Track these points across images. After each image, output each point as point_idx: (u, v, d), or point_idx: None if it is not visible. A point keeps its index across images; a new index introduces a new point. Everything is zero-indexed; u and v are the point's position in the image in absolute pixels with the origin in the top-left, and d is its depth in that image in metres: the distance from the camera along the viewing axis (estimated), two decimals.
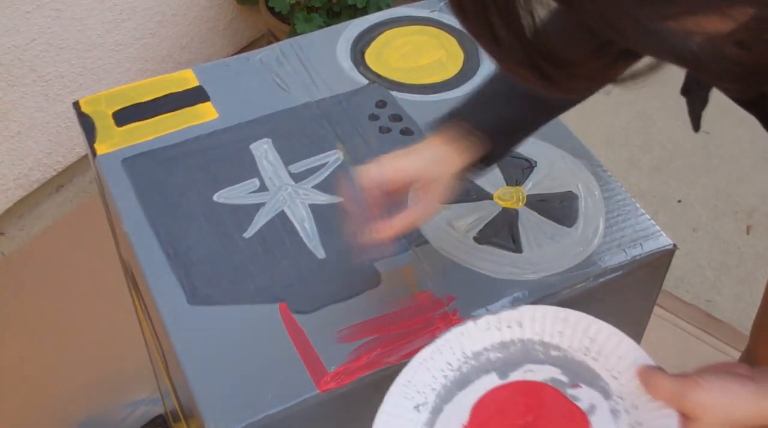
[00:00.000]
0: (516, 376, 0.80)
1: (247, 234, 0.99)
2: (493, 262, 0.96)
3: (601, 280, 0.96)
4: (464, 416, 0.78)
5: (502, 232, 1.00)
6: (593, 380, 0.78)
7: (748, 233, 2.10)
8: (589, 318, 0.79)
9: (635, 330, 1.12)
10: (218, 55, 2.38)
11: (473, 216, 1.01)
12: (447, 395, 0.79)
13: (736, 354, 1.58)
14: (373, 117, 1.13)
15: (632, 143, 2.30)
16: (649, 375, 0.74)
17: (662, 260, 1.01)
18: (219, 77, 1.19)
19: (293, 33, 2.16)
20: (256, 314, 0.91)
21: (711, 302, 1.94)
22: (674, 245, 1.00)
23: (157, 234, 0.99)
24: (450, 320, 0.90)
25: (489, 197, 1.04)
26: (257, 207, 1.02)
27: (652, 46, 0.49)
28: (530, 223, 1.01)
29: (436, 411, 0.78)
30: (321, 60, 1.21)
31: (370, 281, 0.94)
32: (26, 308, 1.88)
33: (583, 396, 0.78)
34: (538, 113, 0.92)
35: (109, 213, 1.16)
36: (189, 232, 0.99)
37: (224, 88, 1.17)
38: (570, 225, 1.01)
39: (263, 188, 1.04)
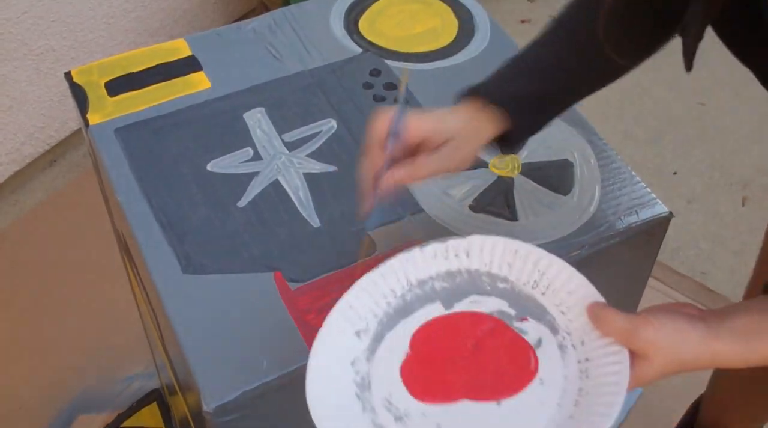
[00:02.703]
0: (461, 306, 0.79)
1: (241, 203, 0.98)
2: (488, 230, 0.96)
3: (597, 248, 0.96)
4: (405, 344, 0.77)
5: (497, 200, 0.99)
6: (541, 314, 0.77)
7: (743, 205, 2.10)
8: (540, 251, 0.77)
9: (630, 300, 1.12)
10: (211, 28, 2.36)
11: (468, 184, 1.01)
12: (389, 322, 0.78)
13: None
14: (368, 86, 1.12)
15: (627, 114, 2.30)
16: (598, 311, 0.73)
17: (658, 227, 1.00)
18: (212, 47, 1.18)
19: (286, 5, 2.14)
20: (251, 283, 0.91)
21: (706, 273, 1.94)
22: (670, 213, 1.00)
23: (151, 204, 0.98)
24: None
25: (484, 165, 1.03)
26: (251, 176, 1.01)
27: None
28: (525, 191, 1.00)
29: (378, 338, 0.77)
30: (314, 29, 1.20)
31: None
32: (20, 284, 1.87)
33: (530, 330, 0.76)
34: (559, 92, 0.90)
35: (103, 184, 1.16)
36: (183, 201, 0.99)
37: (217, 57, 1.16)
38: (565, 193, 1.00)
39: (257, 157, 1.03)
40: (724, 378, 1.41)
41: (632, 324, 0.70)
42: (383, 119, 0.82)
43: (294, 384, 0.84)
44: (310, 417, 0.80)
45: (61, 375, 1.71)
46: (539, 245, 0.93)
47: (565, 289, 0.76)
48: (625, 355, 0.70)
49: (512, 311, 0.77)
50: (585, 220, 0.97)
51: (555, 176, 1.02)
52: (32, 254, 1.94)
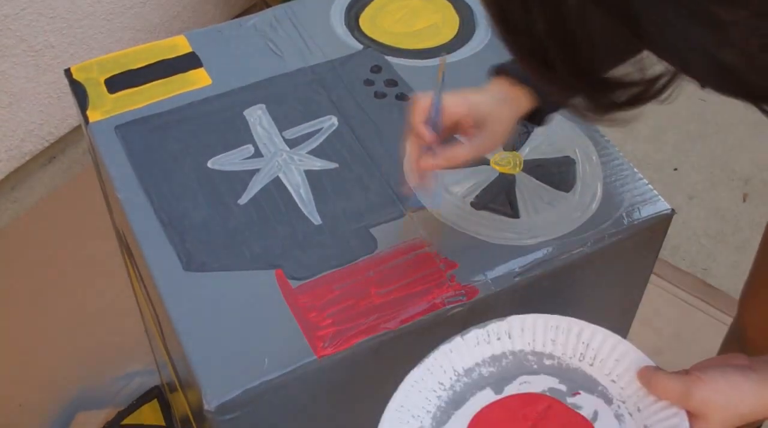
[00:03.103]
0: (511, 389, 0.78)
1: (242, 201, 0.98)
2: (490, 227, 0.96)
3: (599, 245, 0.95)
4: None
5: (499, 197, 0.99)
6: (592, 386, 0.77)
7: (744, 200, 2.09)
8: (581, 323, 0.77)
9: (632, 297, 1.12)
10: (211, 24, 2.35)
11: (470, 181, 1.00)
12: (443, 416, 0.77)
13: None
14: (368, 82, 1.11)
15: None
16: (650, 376, 0.73)
17: (660, 225, 1.00)
18: (212, 43, 1.18)
19: (286, 1, 2.13)
20: (252, 280, 0.91)
21: (707, 270, 1.94)
22: (672, 210, 0.99)
23: (152, 201, 0.98)
24: (447, 287, 0.89)
25: (486, 162, 1.03)
26: (252, 173, 1.01)
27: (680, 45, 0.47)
28: (527, 188, 1.00)
29: None
30: (315, 25, 1.20)
31: (367, 246, 0.93)
32: (20, 281, 1.87)
33: (585, 404, 0.76)
34: None
35: (103, 182, 1.15)
36: (183, 199, 0.98)
37: (217, 54, 1.16)
38: (567, 190, 1.00)
39: (258, 154, 1.03)
40: None
41: (686, 386, 0.70)
42: (421, 105, 0.85)
43: (295, 382, 0.84)
44: (310, 414, 0.81)
45: (61, 373, 1.71)
46: (541, 243, 0.94)
47: (613, 357, 0.76)
48: (684, 417, 0.70)
49: (563, 387, 0.77)
50: (587, 217, 0.97)
51: (557, 173, 1.02)
52: (32, 251, 1.94)
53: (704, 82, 0.50)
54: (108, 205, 1.22)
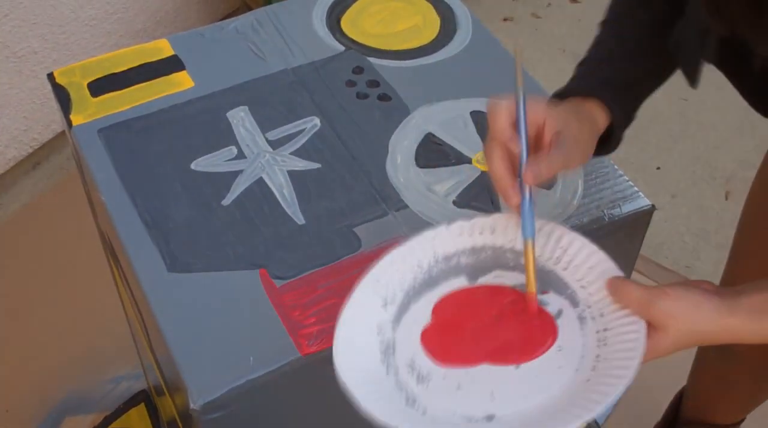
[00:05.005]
0: (485, 280, 0.81)
1: (226, 202, 0.98)
2: None
3: None
4: (429, 313, 0.80)
5: (481, 195, 1.00)
6: (562, 288, 0.79)
7: (726, 198, 2.11)
8: (563, 229, 0.80)
9: None
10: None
11: (452, 180, 1.01)
12: (415, 295, 0.80)
13: None
14: (350, 83, 1.12)
15: None
16: (617, 284, 0.75)
17: (641, 221, 1.01)
18: (194, 46, 1.18)
19: (268, 4, 2.14)
20: (237, 280, 0.91)
21: (690, 267, 1.95)
22: (653, 206, 1.00)
23: (135, 204, 0.98)
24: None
25: (468, 161, 1.03)
26: (235, 175, 1.01)
27: None
28: None
29: (403, 309, 0.80)
30: (297, 27, 1.21)
31: (351, 246, 0.94)
32: (5, 287, 1.87)
33: (552, 302, 0.79)
34: (644, 74, 0.91)
35: (87, 186, 1.15)
36: (167, 201, 0.99)
37: (200, 57, 1.16)
38: (548, 187, 1.01)
39: (241, 155, 1.03)
40: (702, 371, 1.43)
41: (649, 295, 0.72)
42: (504, 110, 0.77)
43: (280, 380, 0.84)
44: (296, 412, 0.81)
45: (47, 378, 1.71)
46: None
47: (587, 265, 0.78)
48: (642, 325, 0.72)
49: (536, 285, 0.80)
50: (568, 214, 0.98)
51: None
52: (17, 257, 1.93)
53: None
54: (92, 208, 1.23)
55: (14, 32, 1.93)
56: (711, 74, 0.84)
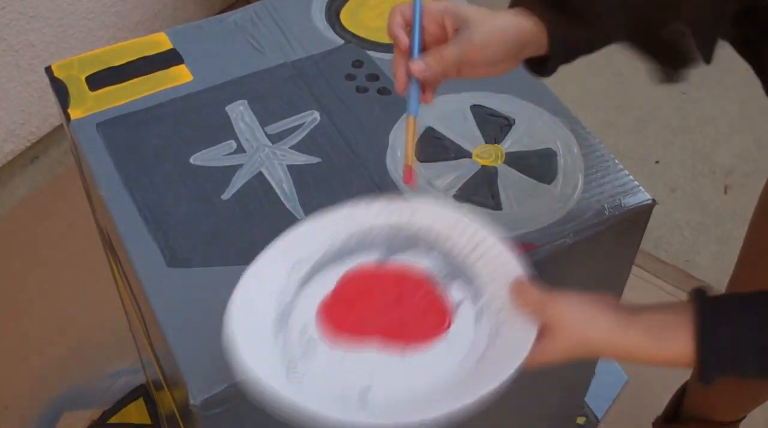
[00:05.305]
0: (399, 259, 0.84)
1: (225, 196, 0.98)
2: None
3: (581, 236, 0.96)
4: (332, 285, 0.82)
5: (481, 190, 0.99)
6: (469, 280, 0.81)
7: (725, 192, 2.11)
8: (477, 224, 0.83)
9: (614, 288, 1.13)
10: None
11: (452, 175, 1.01)
12: (323, 266, 0.82)
13: None
14: (350, 77, 1.12)
15: (609, 103, 2.30)
16: (518, 286, 0.77)
17: (641, 215, 1.01)
18: (193, 40, 1.18)
19: None
20: (236, 275, 0.90)
21: (690, 261, 1.95)
22: (653, 200, 1.00)
23: (134, 198, 0.98)
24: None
25: (468, 155, 1.03)
26: (234, 169, 1.01)
27: None
28: (509, 180, 1.01)
29: (307, 278, 0.82)
30: (295, 21, 1.20)
31: None
32: (3, 282, 1.86)
33: (455, 292, 0.81)
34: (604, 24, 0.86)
35: (85, 180, 1.15)
36: (166, 195, 0.98)
37: (198, 50, 1.16)
38: (549, 182, 1.01)
39: (240, 149, 1.03)
40: None
41: (544, 298, 0.75)
42: (397, 12, 0.82)
43: None
44: None
45: (46, 373, 1.70)
46: (523, 234, 0.94)
47: (495, 262, 0.81)
48: (533, 328, 0.75)
49: (445, 270, 0.82)
50: (569, 208, 0.98)
51: (538, 165, 1.02)
52: (15, 251, 1.93)
53: None
54: (90, 203, 1.22)
55: (12, 25, 1.92)
56: (709, 69, 0.84)
